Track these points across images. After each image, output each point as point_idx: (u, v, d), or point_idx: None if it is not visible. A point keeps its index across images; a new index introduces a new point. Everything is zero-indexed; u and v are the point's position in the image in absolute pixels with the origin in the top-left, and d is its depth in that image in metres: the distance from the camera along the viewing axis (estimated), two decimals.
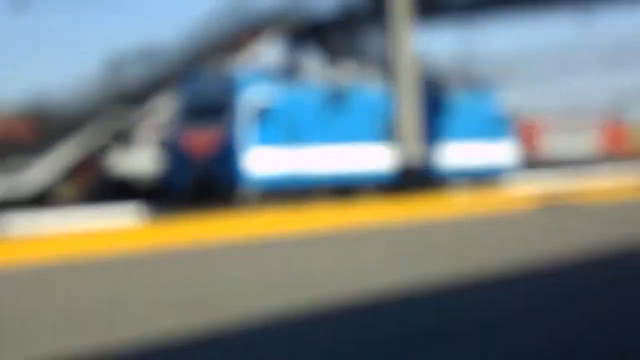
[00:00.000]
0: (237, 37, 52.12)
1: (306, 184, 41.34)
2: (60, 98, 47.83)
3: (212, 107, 40.25)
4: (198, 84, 41.45)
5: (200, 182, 39.27)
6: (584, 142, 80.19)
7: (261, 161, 39.74)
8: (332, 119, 43.24)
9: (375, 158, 44.30)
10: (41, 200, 41.99)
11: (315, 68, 47.36)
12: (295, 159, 41.14)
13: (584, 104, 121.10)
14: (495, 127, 50.78)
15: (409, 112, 38.13)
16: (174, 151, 40.72)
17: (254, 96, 40.05)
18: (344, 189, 42.49)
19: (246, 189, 38.97)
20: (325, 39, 57.73)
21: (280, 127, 40.74)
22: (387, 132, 44.48)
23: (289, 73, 43.50)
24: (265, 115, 40.14)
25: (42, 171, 43.02)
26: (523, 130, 68.65)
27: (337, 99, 43.04)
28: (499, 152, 50.87)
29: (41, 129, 44.47)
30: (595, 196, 34.95)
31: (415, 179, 39.87)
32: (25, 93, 57.64)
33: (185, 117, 41.01)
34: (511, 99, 59.02)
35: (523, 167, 59.35)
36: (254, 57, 49.62)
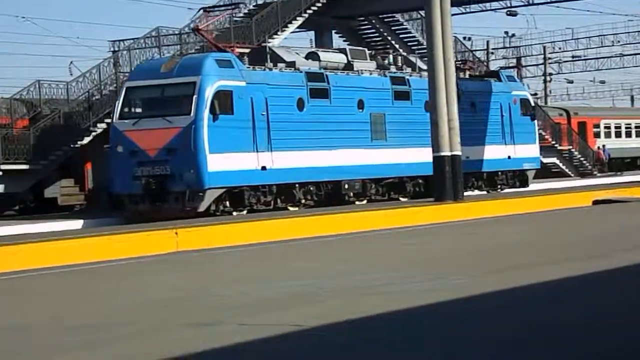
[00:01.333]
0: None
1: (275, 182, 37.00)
2: None
3: (168, 100, 35.57)
4: (152, 74, 36.05)
5: (152, 183, 34.14)
6: None
7: (219, 160, 34.79)
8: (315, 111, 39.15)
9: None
10: None
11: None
12: (255, 158, 36.27)
13: None
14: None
15: (445, 103, 35.74)
16: (121, 149, 35.03)
17: (216, 87, 34.85)
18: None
19: (206, 189, 34.25)
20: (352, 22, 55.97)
21: (239, 123, 35.83)
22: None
23: (259, 58, 38.42)
24: (226, 108, 35.22)
25: None
26: (576, 128, 67.01)
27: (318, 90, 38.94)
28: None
29: None
30: None
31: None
32: None
33: (135, 111, 36.25)
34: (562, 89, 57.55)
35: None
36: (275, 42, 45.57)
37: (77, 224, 33.87)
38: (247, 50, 39.79)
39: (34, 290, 16.11)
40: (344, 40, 56.41)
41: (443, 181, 35.26)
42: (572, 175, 59.78)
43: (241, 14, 51.71)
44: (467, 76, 47.29)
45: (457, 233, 23.96)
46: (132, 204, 34.75)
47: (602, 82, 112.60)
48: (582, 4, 63.44)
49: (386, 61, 44.41)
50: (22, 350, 9.74)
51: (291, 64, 38.97)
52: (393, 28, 56.16)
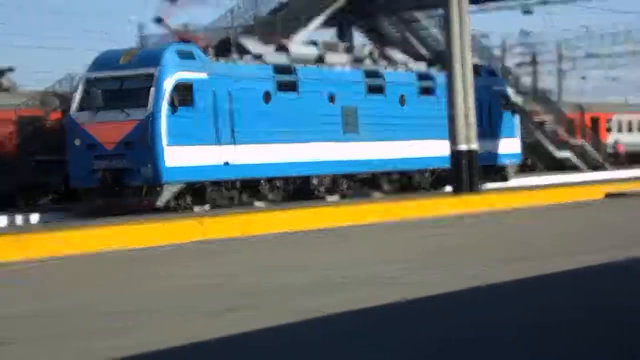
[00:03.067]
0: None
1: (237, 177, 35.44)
2: None
3: (127, 92, 33.51)
4: (112, 66, 34.03)
5: (109, 177, 32.69)
6: None
7: (177, 154, 33.25)
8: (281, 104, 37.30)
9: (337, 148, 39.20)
10: None
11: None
12: (217, 152, 34.60)
13: None
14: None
15: (463, 99, 35.72)
16: (79, 142, 33.41)
17: (173, 81, 33.18)
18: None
19: (164, 183, 32.82)
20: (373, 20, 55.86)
21: (200, 116, 34.03)
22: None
23: (223, 49, 36.89)
24: (186, 100, 33.52)
25: None
26: (589, 123, 66.87)
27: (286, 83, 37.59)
28: None
29: None
30: None
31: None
32: None
33: (94, 103, 33.89)
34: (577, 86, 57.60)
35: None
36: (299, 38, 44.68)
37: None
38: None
39: (69, 275, 16.17)
40: (365, 37, 56.28)
41: (460, 173, 35.25)
42: (585, 169, 59.58)
43: (266, 13, 51.71)
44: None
45: (476, 223, 23.99)
46: (89, 198, 33.52)
47: (615, 78, 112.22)
48: (597, 3, 63.18)
49: (361, 54, 43.06)
50: (63, 333, 9.77)
51: (258, 57, 37.62)
52: (412, 26, 56.02)
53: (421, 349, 8.30)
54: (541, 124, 60.14)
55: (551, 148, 60.30)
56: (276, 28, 47.13)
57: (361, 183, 40.46)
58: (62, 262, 18.49)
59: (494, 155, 44.69)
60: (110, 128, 32.75)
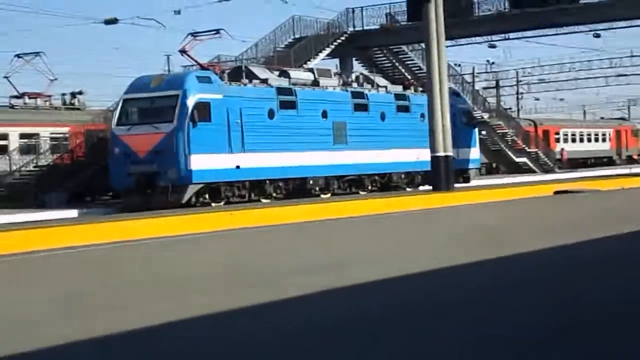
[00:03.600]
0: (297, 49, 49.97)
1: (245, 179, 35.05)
2: None
3: (156, 109, 33.60)
4: (144, 88, 34.29)
5: (142, 179, 32.68)
6: (597, 145, 77.47)
7: (198, 160, 33.03)
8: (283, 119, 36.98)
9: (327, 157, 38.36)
10: None
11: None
12: (230, 158, 34.36)
13: (595, 110, 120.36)
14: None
15: (441, 115, 35.55)
16: (117, 150, 33.66)
17: (194, 101, 33.15)
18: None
19: (187, 184, 32.71)
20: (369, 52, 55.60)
21: (216, 129, 33.90)
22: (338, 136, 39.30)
23: (236, 75, 36.75)
24: (205, 116, 33.34)
25: None
26: (541, 135, 66.81)
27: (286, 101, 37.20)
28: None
29: None
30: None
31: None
32: None
33: (132, 118, 34.28)
34: (531, 105, 57.60)
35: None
36: (308, 66, 44.49)
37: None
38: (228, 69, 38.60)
39: (121, 259, 16.08)
40: (362, 66, 56.10)
41: (439, 175, 35.14)
42: (538, 171, 59.54)
43: (282, 45, 51.61)
44: (418, 92, 44.80)
45: (454, 215, 23.88)
46: (126, 197, 33.57)
47: (562, 99, 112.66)
48: (547, 39, 62.89)
49: (350, 79, 43.07)
50: (121, 303, 9.67)
51: (264, 81, 37.29)
52: (400, 56, 55.85)
53: (393, 306, 8.26)
54: (503, 135, 60.07)
55: (511, 154, 60.31)
56: (291, 59, 47.07)
57: (349, 183, 40.19)
58: (114, 247, 18.36)
59: (459, 161, 43.56)
60: (143, 139, 32.90)
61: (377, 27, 54.49)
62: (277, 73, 39.23)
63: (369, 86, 42.80)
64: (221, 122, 34.01)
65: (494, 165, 63.48)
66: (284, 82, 38.19)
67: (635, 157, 79.80)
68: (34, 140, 38.97)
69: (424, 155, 40.64)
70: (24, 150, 38.67)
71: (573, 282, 9.96)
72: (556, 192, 33.82)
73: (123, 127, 33.81)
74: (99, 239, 19.95)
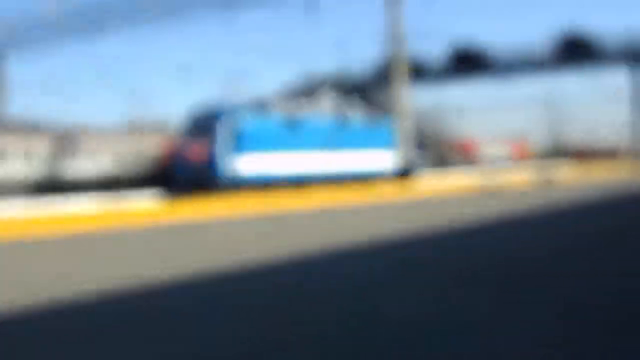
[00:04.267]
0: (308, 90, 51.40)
1: (270, 181, 35.97)
2: None
3: (204, 128, 35.12)
4: (197, 113, 36.15)
5: (194, 177, 34.53)
6: (503, 152, 79.52)
7: (236, 164, 34.63)
8: (288, 136, 37.64)
9: (323, 163, 39.13)
10: None
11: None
12: (261, 162, 35.69)
13: (503, 131, 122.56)
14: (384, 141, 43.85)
15: (405, 136, 37.26)
16: (179, 156, 35.52)
17: (230, 121, 34.80)
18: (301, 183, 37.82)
19: (225, 183, 34.14)
20: (363, 93, 57.28)
21: (249, 141, 35.29)
22: (331, 144, 39.63)
23: (260, 107, 37.53)
24: (238, 134, 34.90)
25: None
26: (466, 145, 68.14)
27: (291, 124, 37.95)
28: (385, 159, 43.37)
29: None
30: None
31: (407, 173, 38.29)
32: None
33: (188, 134, 35.78)
34: (463, 128, 59.09)
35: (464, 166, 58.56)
36: (316, 104, 45.15)
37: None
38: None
39: (159, 240, 14.80)
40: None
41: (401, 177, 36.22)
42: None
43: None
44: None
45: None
46: (183, 188, 34.75)
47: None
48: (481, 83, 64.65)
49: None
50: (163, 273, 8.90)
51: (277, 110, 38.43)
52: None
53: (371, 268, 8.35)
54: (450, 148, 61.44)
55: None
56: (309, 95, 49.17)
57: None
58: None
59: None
60: (196, 149, 34.59)
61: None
62: (289, 105, 40.25)
63: (349, 112, 43.09)
64: (252, 138, 35.20)
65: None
66: (292, 110, 38.90)
67: None
68: None
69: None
70: None
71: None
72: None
73: (184, 139, 35.40)
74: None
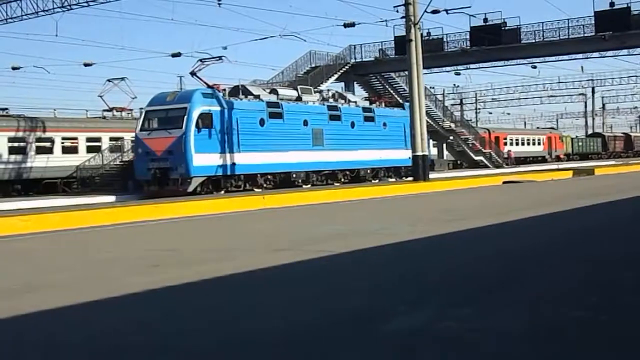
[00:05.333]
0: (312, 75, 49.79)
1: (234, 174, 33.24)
2: None
3: (170, 118, 32.03)
4: (161, 102, 33.00)
5: (158, 172, 31.56)
6: (534, 147, 77.43)
7: (201, 158, 31.57)
8: (265, 128, 34.93)
9: (308, 156, 36.78)
10: None
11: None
12: (228, 157, 32.84)
13: (533, 122, 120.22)
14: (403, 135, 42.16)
15: (419, 125, 35.29)
16: (140, 150, 32.47)
17: (199, 112, 31.79)
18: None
19: (192, 177, 31.30)
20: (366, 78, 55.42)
21: (217, 134, 32.40)
22: (315, 139, 37.26)
23: (232, 94, 34.55)
24: (207, 124, 32.00)
25: None
26: (493, 140, 66.54)
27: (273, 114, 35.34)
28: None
29: None
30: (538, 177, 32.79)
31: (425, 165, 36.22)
32: None
33: (150, 126, 32.82)
34: (486, 118, 57.48)
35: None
36: (320, 88, 43.31)
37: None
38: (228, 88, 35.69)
39: (183, 229, 15.86)
40: (362, 88, 55.99)
41: (417, 169, 34.97)
42: (491, 167, 59.31)
43: (302, 72, 51.49)
44: (382, 106, 43.71)
45: (429, 198, 23.74)
46: (146, 186, 32.09)
47: (508, 113, 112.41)
48: (498, 69, 62.95)
49: (327, 95, 41.06)
50: (179, 261, 9.60)
51: (257, 96, 35.56)
52: (389, 81, 55.80)
53: (387, 272, 8.16)
54: (465, 140, 59.86)
55: (471, 154, 60.12)
56: (308, 82, 46.94)
57: (325, 177, 38.37)
58: (175, 221, 18.19)
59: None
60: (159, 141, 31.80)
61: (372, 59, 54.45)
62: (268, 90, 37.66)
63: (342, 101, 40.83)
64: (221, 129, 32.68)
65: (459, 162, 63.31)
66: (273, 98, 36.45)
67: (562, 156, 79.82)
68: (119, 142, 39.01)
69: (386, 155, 41.06)
70: (113, 149, 38.75)
71: (511, 239, 9.93)
72: (504, 182, 33.72)
73: (144, 132, 32.62)
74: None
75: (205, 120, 32.00)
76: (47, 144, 36.59)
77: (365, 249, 10.09)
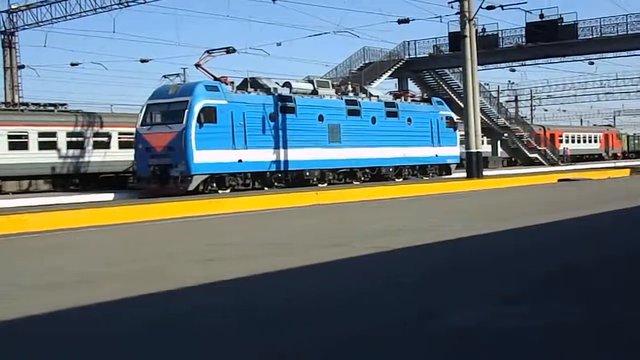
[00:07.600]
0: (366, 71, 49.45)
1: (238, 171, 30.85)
2: None
3: (171, 112, 29.69)
4: (163, 95, 30.61)
5: (158, 169, 29.28)
6: (591, 145, 76.31)
7: (203, 154, 29.28)
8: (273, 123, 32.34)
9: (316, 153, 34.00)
10: None
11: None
12: (233, 153, 30.44)
13: (589, 119, 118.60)
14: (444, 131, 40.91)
15: (473, 122, 34.88)
16: (141, 146, 30.25)
17: (201, 106, 29.41)
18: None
19: (192, 174, 29.00)
20: (420, 74, 54.96)
21: (221, 129, 30.04)
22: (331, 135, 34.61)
23: (241, 87, 32.39)
24: (211, 119, 29.60)
25: None
26: (548, 137, 65.62)
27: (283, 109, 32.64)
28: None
29: None
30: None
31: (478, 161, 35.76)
32: None
33: (151, 120, 30.46)
34: (541, 115, 56.75)
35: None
36: (374, 84, 42.47)
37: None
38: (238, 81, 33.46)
39: (237, 224, 15.91)
40: (415, 85, 55.57)
41: (471, 165, 34.60)
42: (546, 164, 58.49)
43: (355, 68, 51.24)
44: (409, 101, 41.01)
45: (484, 195, 23.46)
46: (146, 184, 29.87)
47: (564, 110, 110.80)
48: (554, 65, 61.86)
49: (347, 88, 37.79)
50: (235, 256, 9.57)
51: (268, 90, 32.84)
52: (443, 77, 55.28)
53: (435, 265, 7.97)
54: (520, 137, 59.11)
55: (526, 151, 59.36)
56: (362, 79, 46.67)
57: (343, 175, 35.65)
58: (231, 216, 18.09)
59: (440, 157, 40.60)
60: (159, 137, 29.54)
61: (427, 55, 53.98)
62: (282, 83, 34.57)
63: (363, 95, 37.96)
64: (225, 123, 30.25)
65: (513, 159, 62.52)
66: (285, 91, 33.84)
67: (618, 154, 78.50)
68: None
69: (410, 152, 38.76)
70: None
71: (575, 245, 9.66)
72: (559, 180, 33.17)
73: (145, 126, 30.35)
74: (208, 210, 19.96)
75: (208, 114, 29.76)
76: (104, 139, 36.98)
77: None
